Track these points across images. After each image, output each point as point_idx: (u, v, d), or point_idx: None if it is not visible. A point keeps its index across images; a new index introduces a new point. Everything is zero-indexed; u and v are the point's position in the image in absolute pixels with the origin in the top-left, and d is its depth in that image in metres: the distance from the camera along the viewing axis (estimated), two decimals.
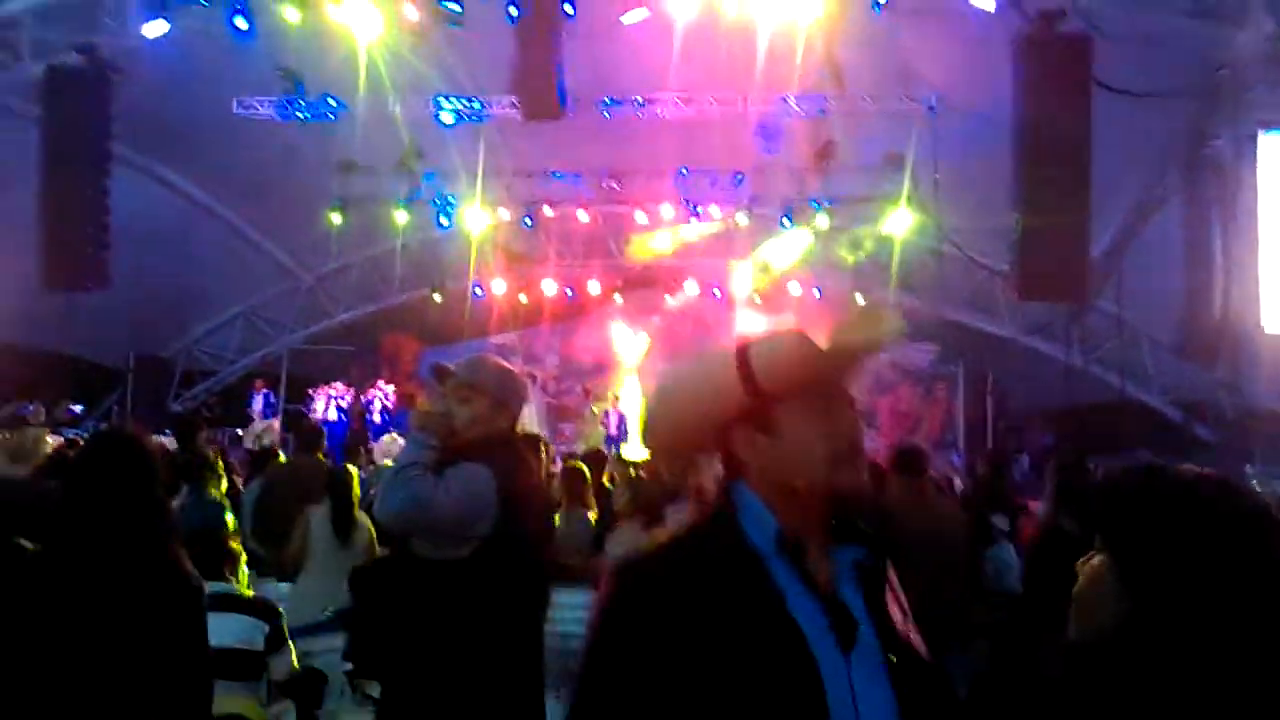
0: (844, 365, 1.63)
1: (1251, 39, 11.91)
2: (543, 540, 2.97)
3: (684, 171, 15.61)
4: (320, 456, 7.38)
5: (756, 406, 1.59)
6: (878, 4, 10.89)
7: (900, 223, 15.15)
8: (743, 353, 1.58)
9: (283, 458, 8.63)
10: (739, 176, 15.42)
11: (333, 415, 16.59)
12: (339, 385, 16.86)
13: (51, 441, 5.57)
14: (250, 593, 4.15)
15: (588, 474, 6.86)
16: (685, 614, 1.49)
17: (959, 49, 12.01)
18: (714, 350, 1.66)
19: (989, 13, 11.05)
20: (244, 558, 4.25)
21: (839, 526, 1.62)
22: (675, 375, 1.74)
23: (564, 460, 9.49)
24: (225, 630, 3.53)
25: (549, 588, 3.17)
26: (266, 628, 3.82)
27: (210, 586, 3.10)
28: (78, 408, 8.25)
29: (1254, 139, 12.78)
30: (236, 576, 4.05)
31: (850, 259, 16.08)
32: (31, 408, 4.99)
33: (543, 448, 6.49)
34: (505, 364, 3.28)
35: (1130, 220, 14.37)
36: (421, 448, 2.93)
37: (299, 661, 3.99)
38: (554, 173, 15.83)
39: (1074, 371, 14.72)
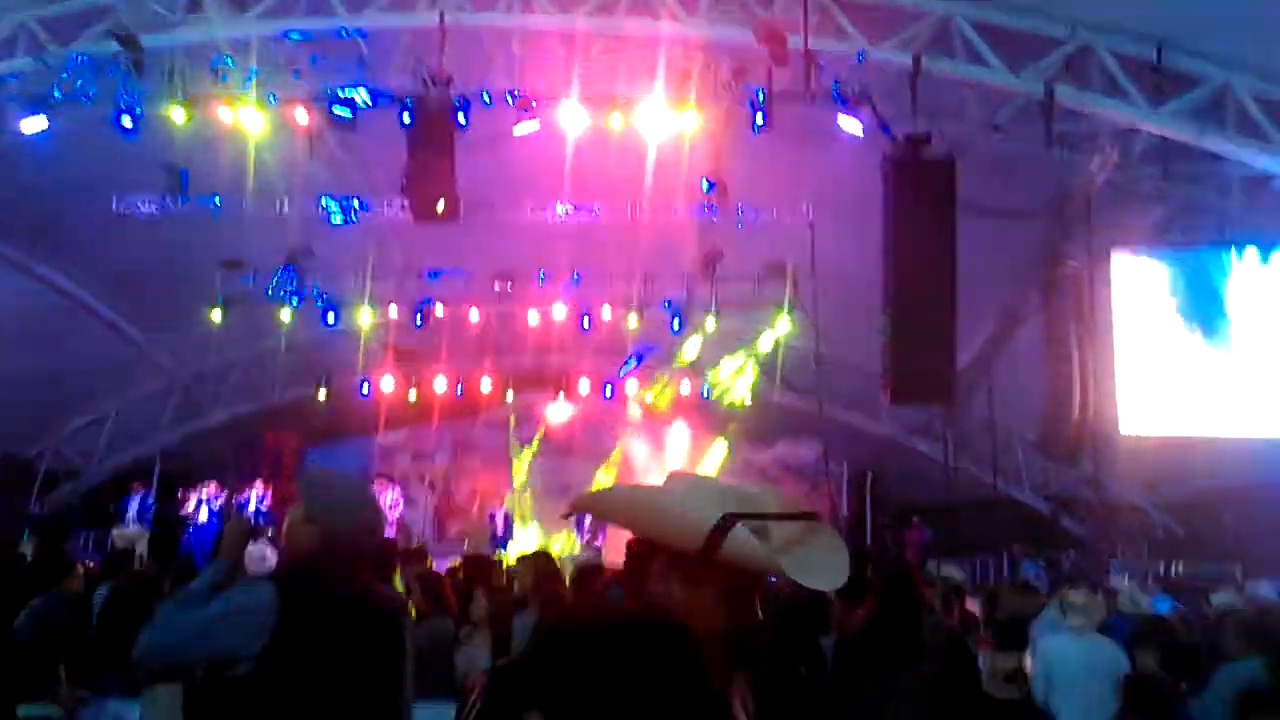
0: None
1: (1100, 166, 12.93)
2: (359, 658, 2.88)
3: (576, 277, 15.88)
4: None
5: (693, 563, 1.69)
6: (756, 126, 11.44)
7: (784, 327, 15.73)
8: (719, 534, 1.66)
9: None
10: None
11: (204, 517, 15.88)
12: (212, 486, 16.21)
13: None
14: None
15: (445, 581, 6.71)
16: None
17: (834, 169, 12.69)
18: (693, 514, 1.71)
19: (859, 135, 11.74)
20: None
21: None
22: (658, 498, 1.82)
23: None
24: None
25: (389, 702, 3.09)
26: None
27: (26, 710, 2.97)
28: None
29: (1107, 257, 13.80)
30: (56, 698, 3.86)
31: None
32: None
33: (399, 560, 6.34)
34: (342, 483, 3.24)
35: (998, 330, 15.20)
36: (216, 573, 2.96)
37: None
38: (440, 272, 15.91)
39: (950, 469, 15.29)
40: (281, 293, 15.42)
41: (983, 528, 15.67)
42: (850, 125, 11.52)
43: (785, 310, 15.45)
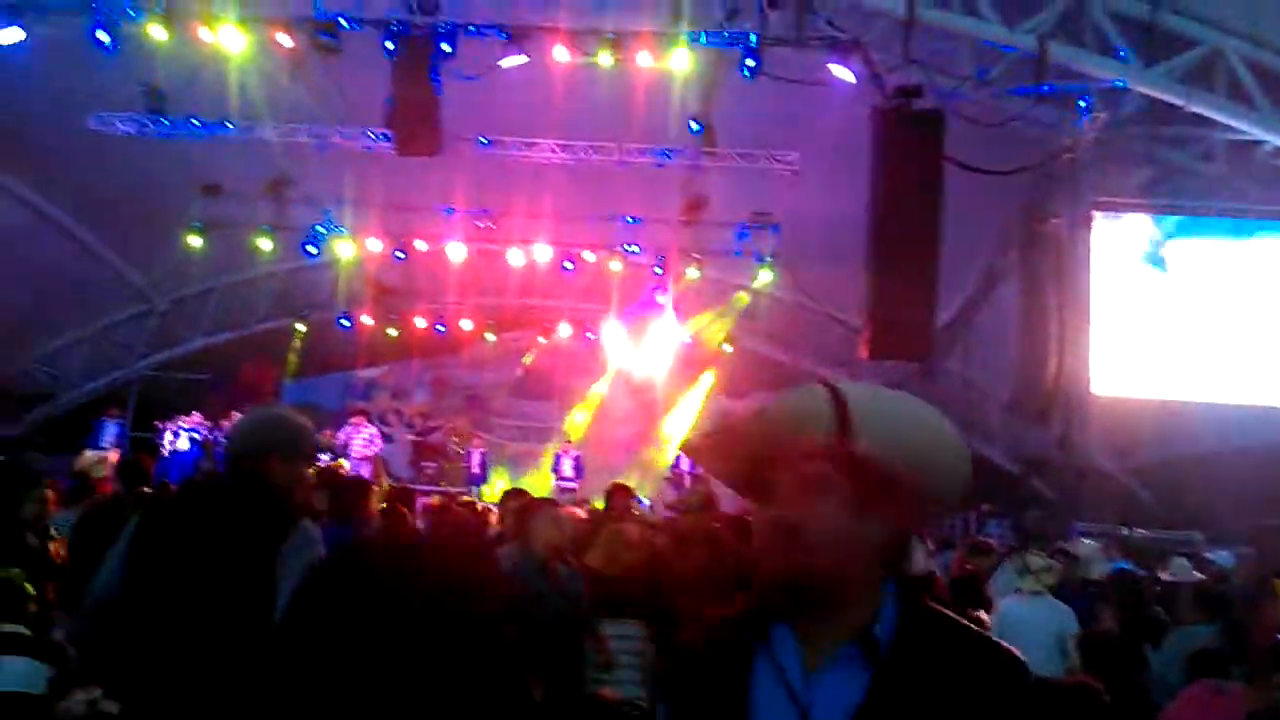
0: None
1: (1089, 126, 12.88)
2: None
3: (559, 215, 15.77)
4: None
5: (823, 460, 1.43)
6: (747, 69, 11.29)
7: (764, 278, 15.71)
8: (842, 406, 1.44)
9: None
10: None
11: (184, 445, 15.85)
12: (195, 416, 16.15)
13: None
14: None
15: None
16: (674, 685, 1.55)
17: (824, 116, 12.57)
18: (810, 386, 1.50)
19: (851, 84, 11.61)
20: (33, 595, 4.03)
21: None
22: (768, 404, 1.56)
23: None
24: (4, 675, 3.36)
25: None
26: (52, 672, 3.64)
27: None
28: None
29: (1089, 219, 13.81)
30: (25, 617, 3.85)
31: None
32: None
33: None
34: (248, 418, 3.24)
35: (977, 287, 15.23)
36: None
37: (92, 707, 3.80)
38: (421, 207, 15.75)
39: None
40: (261, 221, 15.23)
41: None
42: (842, 73, 11.39)
43: (768, 260, 15.40)
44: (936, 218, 11.50)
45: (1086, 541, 10.93)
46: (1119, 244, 14.01)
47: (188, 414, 16.34)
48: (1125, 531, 13.98)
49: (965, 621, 1.53)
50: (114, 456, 11.35)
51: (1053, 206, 13.58)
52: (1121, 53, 11.54)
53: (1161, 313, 13.86)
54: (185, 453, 15.36)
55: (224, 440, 6.25)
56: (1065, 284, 13.34)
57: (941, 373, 15.54)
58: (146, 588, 2.74)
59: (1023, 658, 1.46)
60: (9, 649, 3.50)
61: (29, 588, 3.97)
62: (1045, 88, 12.09)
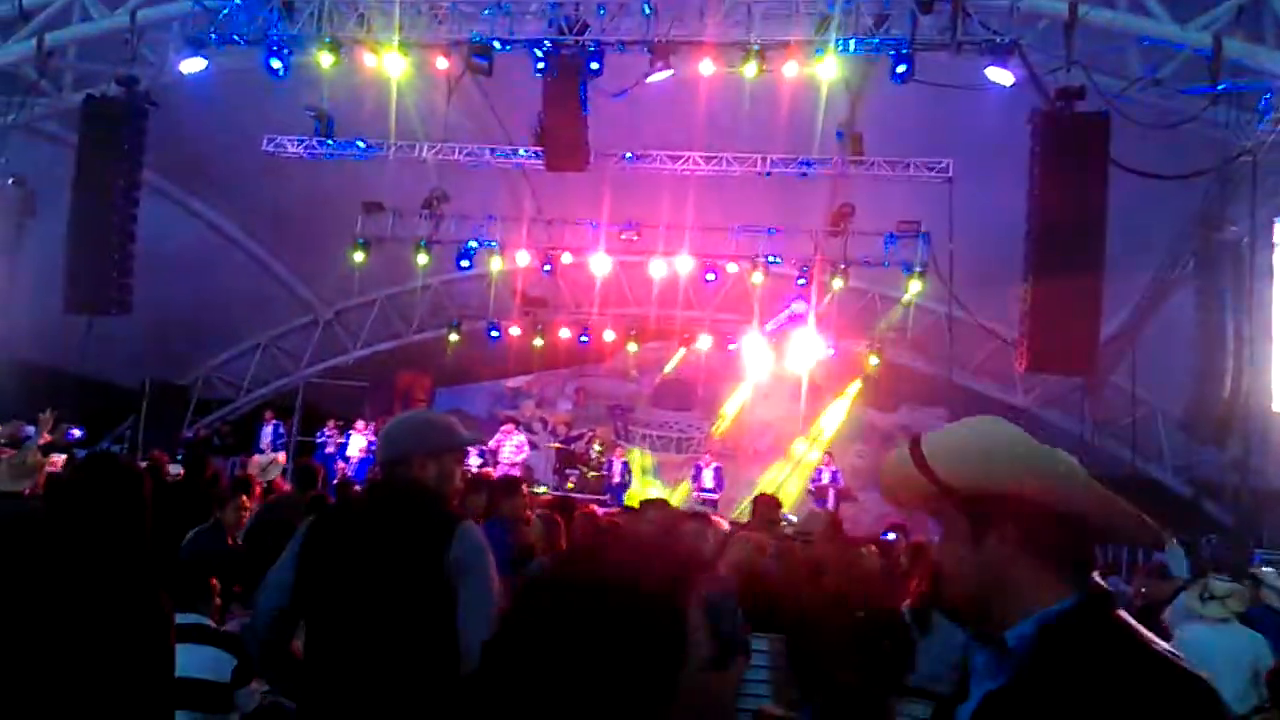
0: None
1: (1270, 127, 11.99)
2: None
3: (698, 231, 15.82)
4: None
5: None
6: (898, 75, 11.04)
7: (914, 288, 15.31)
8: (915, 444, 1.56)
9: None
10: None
11: (357, 448, 16.43)
12: (368, 425, 16.95)
13: (47, 460, 5.68)
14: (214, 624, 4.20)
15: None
16: None
17: (977, 122, 12.17)
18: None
19: (1008, 88, 11.20)
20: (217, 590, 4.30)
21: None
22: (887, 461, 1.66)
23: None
24: (193, 662, 3.59)
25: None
26: (235, 661, 3.88)
27: (181, 618, 3.14)
28: (77, 431, 8.34)
29: (1270, 225, 12.82)
30: (210, 609, 4.11)
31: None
32: (32, 429, 5.10)
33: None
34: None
35: (1146, 299, 14.39)
36: None
37: (266, 697, 4.03)
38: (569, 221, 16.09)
39: (1086, 445, 14.62)
40: (419, 236, 15.87)
41: None
42: (999, 76, 10.99)
43: (917, 271, 14.98)
44: (1101, 225, 10.94)
45: (1268, 570, 10.14)
46: None
47: (344, 419, 17.17)
48: None
49: (1159, 645, 1.50)
50: (282, 458, 12.10)
51: (1230, 213, 12.67)
52: None
53: None
54: (363, 460, 15.95)
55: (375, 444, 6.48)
56: (1244, 295, 12.42)
57: (1106, 388, 14.75)
58: (316, 593, 2.82)
59: (1215, 687, 1.43)
60: (193, 638, 3.73)
61: (214, 583, 4.22)
62: (1220, 86, 11.33)
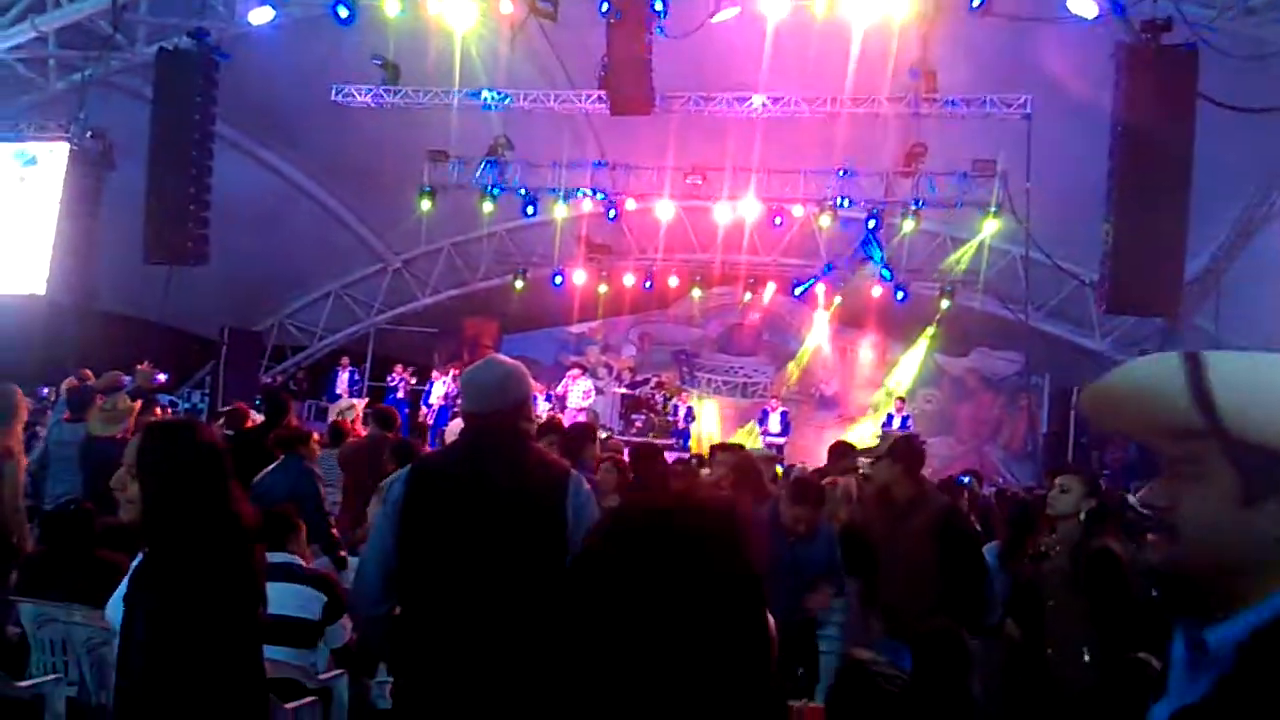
0: None
1: None
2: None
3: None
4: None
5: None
6: (974, 5, 10.66)
7: (989, 229, 14.94)
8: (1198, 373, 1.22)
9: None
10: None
11: (435, 398, 16.60)
12: (436, 371, 17.21)
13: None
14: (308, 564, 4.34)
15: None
16: None
17: (1056, 55, 11.71)
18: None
19: (1089, 20, 10.74)
20: (303, 530, 4.42)
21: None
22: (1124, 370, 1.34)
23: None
24: (284, 600, 3.72)
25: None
26: (324, 599, 4.01)
27: (271, 556, 3.23)
28: (162, 376, 8.64)
29: None
30: (300, 548, 4.24)
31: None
32: (128, 380, 5.28)
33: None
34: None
35: (1232, 238, 13.85)
36: None
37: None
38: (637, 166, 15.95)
39: None
40: (484, 184, 15.91)
41: None
42: (1082, 7, 10.55)
43: (992, 211, 14.59)
44: (1187, 160, 10.49)
45: None
46: None
47: (414, 365, 17.45)
48: None
49: None
50: (360, 404, 12.36)
51: None
52: None
53: None
54: (445, 406, 16.19)
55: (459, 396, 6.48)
56: None
57: (1189, 330, 14.30)
58: (428, 553, 2.72)
59: None
60: (282, 577, 3.85)
61: (299, 522, 4.35)
62: None
